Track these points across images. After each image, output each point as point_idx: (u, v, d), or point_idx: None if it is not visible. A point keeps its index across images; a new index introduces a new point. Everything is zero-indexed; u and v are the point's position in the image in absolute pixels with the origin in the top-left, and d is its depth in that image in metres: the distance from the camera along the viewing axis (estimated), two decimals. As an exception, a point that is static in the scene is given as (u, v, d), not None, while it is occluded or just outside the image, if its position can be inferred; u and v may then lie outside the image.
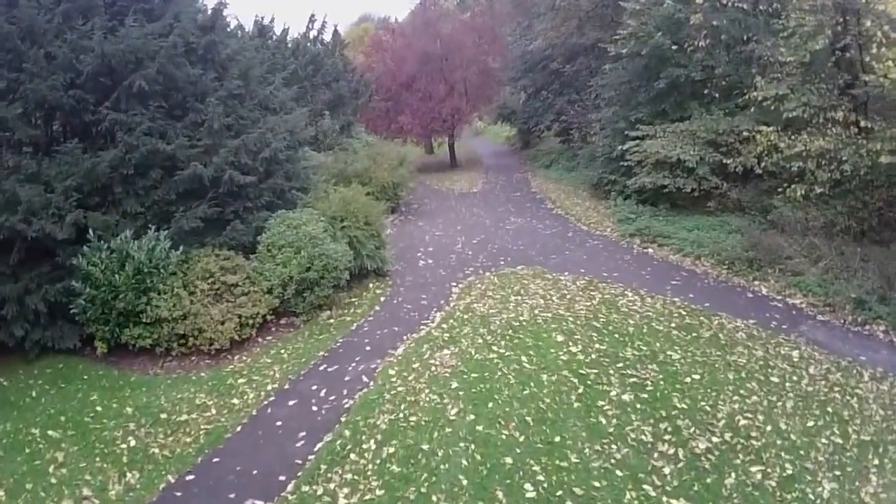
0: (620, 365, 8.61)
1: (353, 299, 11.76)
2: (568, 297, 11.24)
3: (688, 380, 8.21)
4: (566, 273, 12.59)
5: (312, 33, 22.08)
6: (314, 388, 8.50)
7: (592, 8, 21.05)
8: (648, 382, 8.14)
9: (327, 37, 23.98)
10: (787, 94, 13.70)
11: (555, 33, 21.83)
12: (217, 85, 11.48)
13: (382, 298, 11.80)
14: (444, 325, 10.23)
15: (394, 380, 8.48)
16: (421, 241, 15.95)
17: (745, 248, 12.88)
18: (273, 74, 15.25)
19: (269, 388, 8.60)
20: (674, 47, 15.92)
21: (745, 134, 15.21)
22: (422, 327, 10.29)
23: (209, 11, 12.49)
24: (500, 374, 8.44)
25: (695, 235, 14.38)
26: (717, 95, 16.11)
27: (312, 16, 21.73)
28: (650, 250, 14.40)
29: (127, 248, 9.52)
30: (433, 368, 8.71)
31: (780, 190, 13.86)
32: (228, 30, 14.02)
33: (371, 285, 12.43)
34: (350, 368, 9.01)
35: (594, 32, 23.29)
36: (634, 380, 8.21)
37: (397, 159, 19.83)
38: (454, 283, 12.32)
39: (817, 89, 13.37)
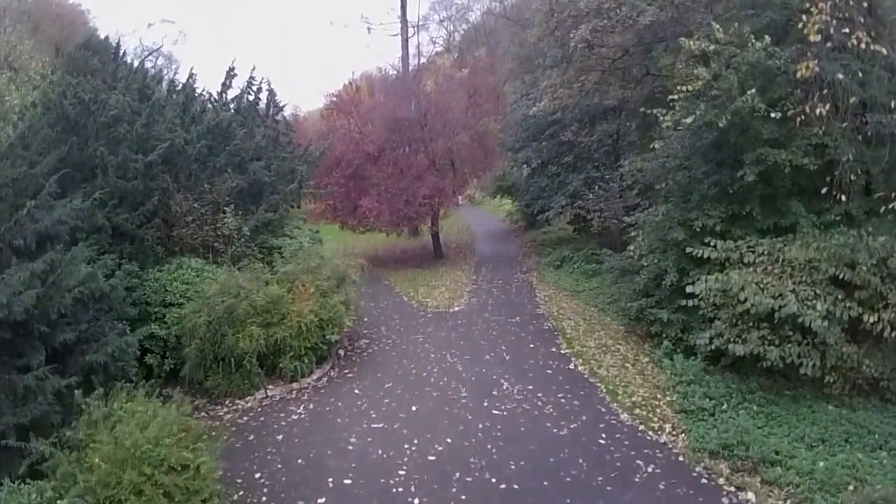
0: None
1: None
2: None
3: None
4: None
5: (232, 93, 15.90)
6: None
7: (620, 57, 14.75)
8: None
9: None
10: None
11: (566, 91, 15.49)
12: None
13: None
14: None
15: None
16: (338, 449, 9.06)
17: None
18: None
19: None
20: (773, 115, 9.40)
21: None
22: None
23: None
24: None
25: (824, 461, 7.86)
26: (842, 198, 9.49)
27: (231, 70, 15.60)
28: (751, 498, 7.54)
29: None
30: None
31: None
32: None
33: None
34: None
35: (619, 90, 17.07)
36: None
37: (335, 277, 13.21)
38: None
39: None
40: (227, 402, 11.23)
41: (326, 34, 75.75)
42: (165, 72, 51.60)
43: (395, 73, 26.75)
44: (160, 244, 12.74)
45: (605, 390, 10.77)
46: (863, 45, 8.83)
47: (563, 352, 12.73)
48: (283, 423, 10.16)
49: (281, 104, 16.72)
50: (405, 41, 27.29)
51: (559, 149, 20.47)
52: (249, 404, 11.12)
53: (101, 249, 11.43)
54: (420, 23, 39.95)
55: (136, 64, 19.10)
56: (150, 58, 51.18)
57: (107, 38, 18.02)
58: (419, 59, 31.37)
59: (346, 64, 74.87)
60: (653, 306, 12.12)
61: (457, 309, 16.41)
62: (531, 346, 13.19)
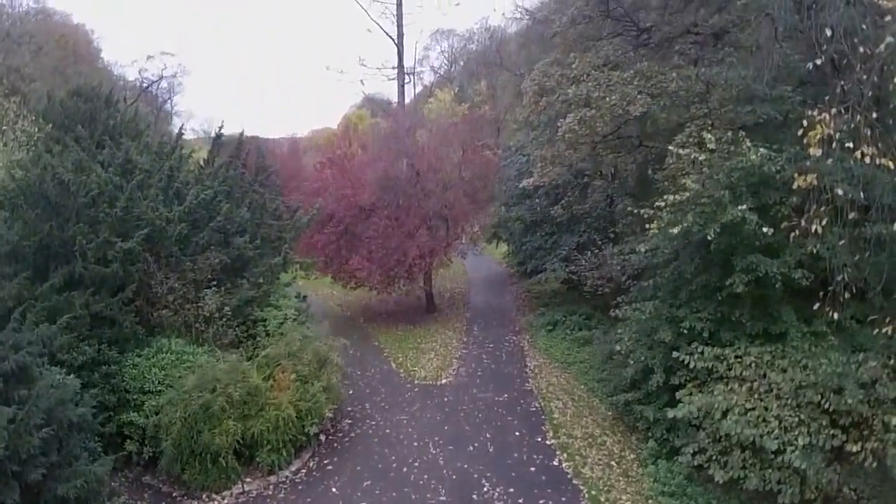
0: None
1: None
2: None
3: None
4: None
5: (220, 160, 15.69)
6: None
7: (612, 132, 14.60)
8: None
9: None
10: None
11: (556, 170, 15.32)
12: None
13: None
14: None
15: None
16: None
17: None
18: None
19: None
20: (765, 231, 9.16)
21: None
22: None
23: None
24: None
25: None
26: (834, 316, 9.21)
27: (219, 136, 15.41)
28: None
29: None
30: None
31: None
32: None
33: None
34: None
35: (613, 158, 16.89)
36: None
37: (316, 361, 12.96)
38: None
39: None
40: (203, 496, 11.02)
41: (327, 58, 74.67)
42: (165, 98, 51.69)
43: (392, 115, 26.67)
44: (140, 324, 12.54)
45: (587, 496, 10.47)
46: (867, 160, 8.48)
47: (548, 442, 12.44)
48: (256, 529, 9.90)
49: (269, 170, 16.55)
50: (401, 87, 27.32)
51: (552, 208, 20.26)
52: (226, 500, 10.90)
53: (80, 336, 11.27)
54: (418, 58, 40.10)
55: (139, 86, 18.83)
56: (150, 88, 51.40)
57: (99, 84, 17.84)
58: (415, 88, 31.34)
59: (346, 88, 74.50)
60: (640, 399, 11.85)
61: (444, 382, 16.08)
62: (517, 433, 12.89)
